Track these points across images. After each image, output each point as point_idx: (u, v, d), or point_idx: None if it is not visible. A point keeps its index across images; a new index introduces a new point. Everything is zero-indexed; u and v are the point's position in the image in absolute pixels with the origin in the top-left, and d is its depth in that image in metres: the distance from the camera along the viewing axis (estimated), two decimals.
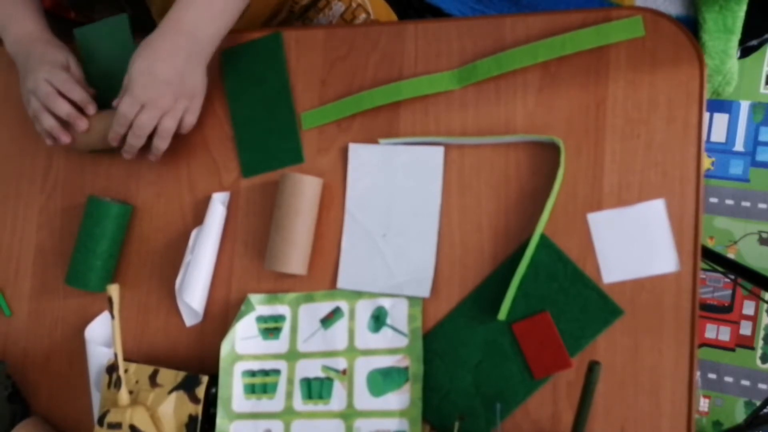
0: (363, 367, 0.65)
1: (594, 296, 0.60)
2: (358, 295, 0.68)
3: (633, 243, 0.60)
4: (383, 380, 0.64)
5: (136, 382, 0.70)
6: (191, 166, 0.78)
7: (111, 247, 0.76)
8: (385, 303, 0.66)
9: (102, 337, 0.78)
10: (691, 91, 0.59)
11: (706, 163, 1.42)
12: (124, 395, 0.67)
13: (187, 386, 0.68)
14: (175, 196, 0.79)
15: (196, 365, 0.74)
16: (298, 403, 0.66)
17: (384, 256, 0.67)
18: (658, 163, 0.60)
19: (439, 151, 0.67)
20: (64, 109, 0.72)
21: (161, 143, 0.71)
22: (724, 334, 1.40)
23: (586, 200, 0.62)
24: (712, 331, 1.41)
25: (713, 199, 1.41)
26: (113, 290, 0.67)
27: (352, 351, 0.66)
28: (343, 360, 0.66)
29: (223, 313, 0.74)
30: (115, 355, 0.67)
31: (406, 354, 0.64)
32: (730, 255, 1.40)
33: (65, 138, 0.73)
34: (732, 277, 1.37)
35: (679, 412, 0.57)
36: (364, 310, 0.67)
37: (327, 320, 0.68)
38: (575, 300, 0.61)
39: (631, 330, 0.59)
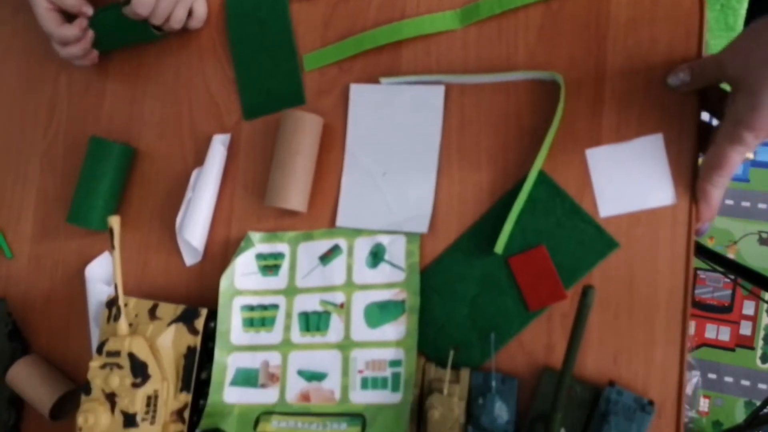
0: (360, 300, 0.66)
1: (590, 230, 0.61)
2: (357, 232, 0.68)
3: (630, 177, 0.60)
4: (380, 312, 0.65)
5: (136, 315, 0.71)
6: (193, 108, 0.79)
7: (112, 186, 0.77)
8: (384, 240, 0.67)
9: (102, 277, 0.79)
10: (690, 27, 0.59)
11: None
12: (123, 325, 0.68)
13: (186, 318, 0.69)
14: (176, 139, 0.79)
15: (196, 303, 0.75)
16: (296, 335, 0.67)
17: (383, 194, 0.68)
18: (658, 98, 0.60)
19: (440, 90, 0.67)
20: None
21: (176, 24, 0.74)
22: (724, 334, 1.40)
23: (585, 136, 0.62)
24: (712, 331, 1.41)
25: None
26: (114, 221, 0.67)
27: (350, 286, 0.67)
28: (341, 294, 0.67)
29: (223, 253, 0.75)
30: (115, 286, 0.68)
31: (403, 288, 0.65)
32: (730, 255, 1.40)
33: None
34: (732, 277, 1.37)
35: (672, 340, 0.58)
36: (362, 247, 0.68)
37: (326, 257, 0.69)
38: (572, 234, 0.62)
39: (626, 262, 0.60)
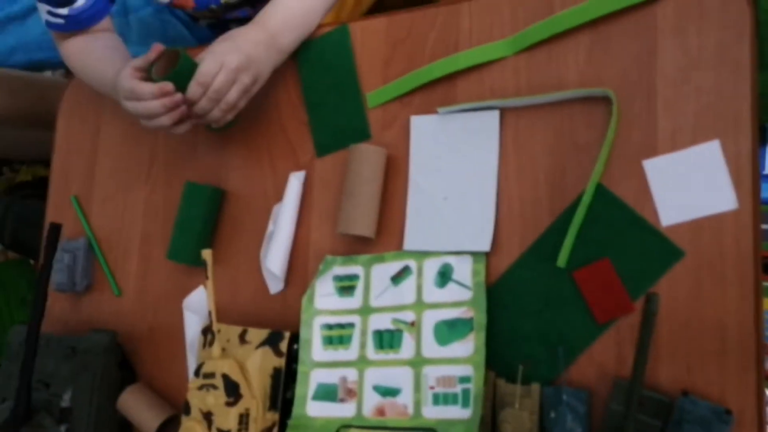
0: (430, 319, 0.69)
1: (653, 239, 0.61)
2: (425, 254, 0.72)
3: (690, 185, 0.60)
4: (449, 330, 0.68)
5: (228, 340, 0.78)
6: (271, 150, 0.86)
7: (205, 225, 0.86)
8: (451, 260, 0.70)
9: (198, 308, 0.87)
10: (740, 30, 0.60)
11: None
12: (216, 349, 0.75)
13: (271, 342, 0.75)
14: (258, 179, 0.87)
15: (281, 327, 0.81)
16: (371, 353, 0.71)
17: (446, 217, 0.72)
18: (711, 105, 0.61)
19: (495, 114, 0.71)
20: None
21: (227, 114, 0.75)
22: None
23: (641, 147, 0.63)
24: None
25: None
26: (207, 255, 0.75)
27: (420, 305, 0.70)
28: (412, 313, 0.70)
29: (302, 281, 0.81)
30: (210, 313, 0.75)
31: (470, 306, 0.68)
32: None
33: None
34: None
35: (746, 346, 0.56)
36: (431, 267, 0.71)
37: (397, 277, 0.73)
38: (634, 244, 0.62)
39: (692, 270, 0.60)
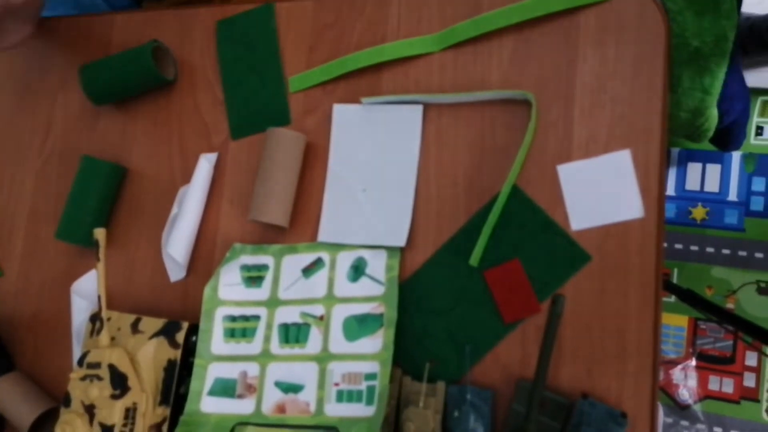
0: (340, 313, 0.67)
1: (562, 243, 0.62)
2: (340, 246, 0.70)
3: (600, 192, 0.62)
4: (358, 326, 0.66)
5: (118, 329, 0.72)
6: (182, 128, 0.81)
7: (101, 203, 0.79)
8: (365, 254, 0.68)
9: (88, 294, 0.80)
10: (655, 47, 0.62)
11: (701, 212, 1.43)
12: (104, 337, 0.69)
13: (167, 332, 0.70)
14: (165, 159, 0.81)
15: (180, 318, 0.76)
16: (275, 347, 0.68)
17: (363, 210, 0.70)
18: (625, 116, 0.62)
19: (418, 109, 0.69)
20: None
21: None
22: (728, 386, 1.37)
23: (556, 153, 0.64)
24: (715, 383, 1.38)
25: (710, 249, 1.41)
26: (99, 234, 0.69)
27: (330, 299, 0.68)
28: (321, 307, 0.68)
29: (207, 269, 0.76)
30: (99, 298, 0.69)
31: (381, 302, 0.66)
32: (730, 305, 1.39)
33: None
34: (731, 329, 1.36)
35: (644, 352, 0.58)
36: (344, 260, 0.69)
37: (308, 270, 0.70)
38: (544, 247, 0.63)
39: (597, 275, 0.61)
